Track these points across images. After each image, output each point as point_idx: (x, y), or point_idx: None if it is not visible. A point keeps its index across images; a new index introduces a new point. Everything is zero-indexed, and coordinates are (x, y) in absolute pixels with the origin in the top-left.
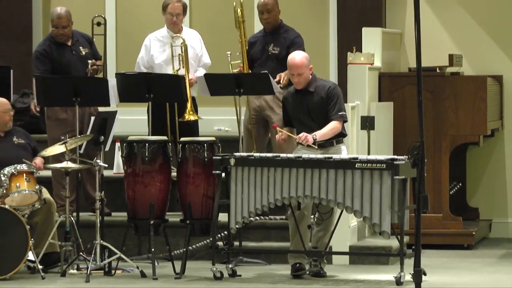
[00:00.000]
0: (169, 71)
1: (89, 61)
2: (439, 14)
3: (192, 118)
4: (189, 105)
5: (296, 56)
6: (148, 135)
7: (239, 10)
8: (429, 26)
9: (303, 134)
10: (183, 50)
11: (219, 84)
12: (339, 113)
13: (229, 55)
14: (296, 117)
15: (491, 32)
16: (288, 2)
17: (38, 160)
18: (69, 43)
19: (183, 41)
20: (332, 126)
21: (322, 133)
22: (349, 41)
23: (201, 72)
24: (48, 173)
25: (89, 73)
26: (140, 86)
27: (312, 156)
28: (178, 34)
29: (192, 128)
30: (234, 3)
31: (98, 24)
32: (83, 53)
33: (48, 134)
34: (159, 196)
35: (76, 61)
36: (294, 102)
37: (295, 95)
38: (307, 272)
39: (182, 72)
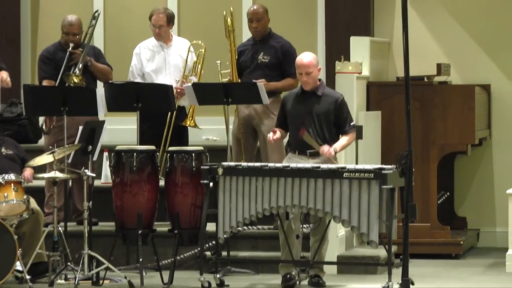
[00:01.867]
0: (159, 80)
1: (71, 45)
2: (427, 23)
3: (191, 125)
4: (191, 110)
5: (304, 56)
6: (137, 145)
7: (229, 19)
8: (417, 35)
9: (326, 147)
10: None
11: (207, 93)
12: (351, 124)
13: (219, 64)
14: (295, 118)
15: (479, 41)
16: (276, 11)
17: (27, 173)
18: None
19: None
20: (350, 138)
21: (342, 146)
22: (337, 50)
23: (194, 80)
24: (36, 183)
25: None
26: (128, 95)
27: (300, 165)
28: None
29: (183, 136)
30: (225, 12)
31: (94, 17)
32: (72, 49)
33: (45, 141)
34: (147, 205)
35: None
36: (297, 102)
37: (300, 96)
38: (299, 283)
39: (192, 79)
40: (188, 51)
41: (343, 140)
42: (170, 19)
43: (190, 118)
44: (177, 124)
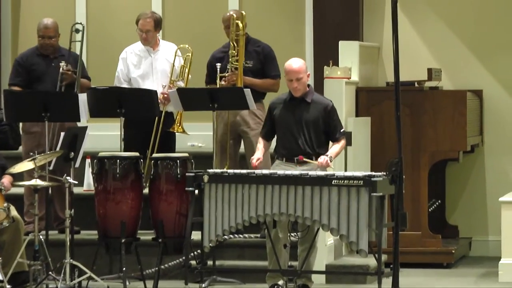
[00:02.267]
0: (146, 86)
1: (62, 63)
2: (418, 28)
3: (179, 131)
4: (178, 116)
5: (294, 62)
6: (120, 151)
7: (240, 23)
8: (407, 40)
9: (323, 159)
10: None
11: (192, 99)
12: (342, 131)
13: (218, 67)
14: (284, 126)
15: (470, 45)
16: (263, 15)
17: (6, 180)
18: (53, 56)
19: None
20: (342, 145)
21: (336, 153)
22: (326, 55)
23: (181, 85)
24: (14, 190)
25: (59, 76)
26: (111, 101)
27: (288, 172)
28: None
29: (171, 142)
30: (234, 15)
31: (77, 31)
32: (64, 68)
33: (22, 148)
34: (130, 213)
35: (54, 74)
36: (285, 110)
37: (288, 103)
38: None
39: (179, 84)
40: (175, 55)
41: (335, 147)
42: (157, 23)
43: (178, 124)
44: (165, 130)
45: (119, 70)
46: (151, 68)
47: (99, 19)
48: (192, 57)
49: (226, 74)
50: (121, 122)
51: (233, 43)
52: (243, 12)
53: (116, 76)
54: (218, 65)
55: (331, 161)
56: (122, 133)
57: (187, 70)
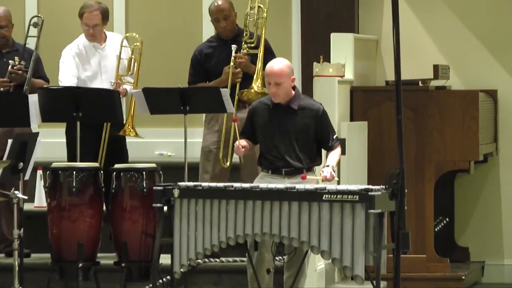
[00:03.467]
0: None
1: (11, 61)
2: (422, 18)
3: (132, 134)
4: (130, 118)
5: (276, 63)
6: (76, 161)
7: (263, 6)
8: (410, 32)
9: (329, 173)
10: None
11: (161, 100)
12: (335, 137)
13: (234, 49)
14: (267, 137)
15: (483, 39)
16: (242, 2)
17: None
18: (5, 50)
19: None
20: (339, 153)
21: (336, 162)
22: (315, 49)
23: (130, 80)
24: None
25: (7, 75)
26: (66, 103)
27: (272, 186)
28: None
29: (123, 149)
30: (258, 2)
31: (35, 25)
32: (13, 67)
33: None
34: (89, 234)
35: (4, 70)
36: (269, 118)
37: (271, 110)
38: None
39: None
40: (121, 46)
41: (333, 156)
42: (105, 15)
43: (129, 126)
44: (114, 135)
45: (61, 74)
46: (99, 66)
47: (51, 11)
48: (143, 47)
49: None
50: (77, 127)
51: (246, 29)
52: None
53: (61, 80)
54: (234, 47)
55: (334, 172)
56: (78, 139)
57: (136, 64)
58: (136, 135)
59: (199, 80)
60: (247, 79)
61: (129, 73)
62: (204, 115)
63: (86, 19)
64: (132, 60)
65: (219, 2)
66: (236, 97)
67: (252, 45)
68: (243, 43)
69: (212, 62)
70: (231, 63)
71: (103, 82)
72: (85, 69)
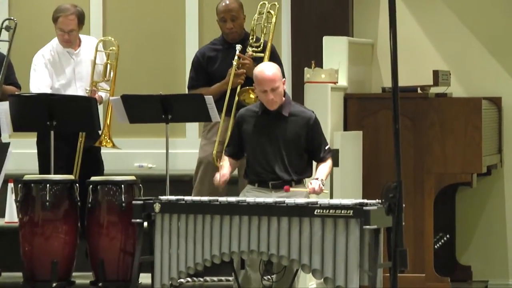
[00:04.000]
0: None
1: None
2: (421, 19)
3: (109, 145)
4: (106, 128)
5: (266, 68)
6: (50, 173)
7: (274, 16)
8: (408, 34)
9: (314, 184)
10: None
11: (141, 108)
12: (327, 148)
13: (238, 49)
14: (255, 148)
15: (487, 42)
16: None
17: None
18: None
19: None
20: (330, 165)
21: (326, 175)
22: (307, 53)
23: (105, 87)
24: None
25: None
26: (39, 111)
27: (259, 200)
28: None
29: (98, 161)
30: (268, 4)
31: (7, 28)
32: None
33: None
34: (63, 251)
35: None
36: (258, 125)
37: (260, 117)
38: None
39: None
40: (96, 51)
41: (324, 168)
42: (81, 19)
43: (106, 137)
44: (89, 145)
45: (33, 82)
46: (73, 74)
47: (23, 14)
48: (119, 52)
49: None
50: (51, 137)
51: (253, 34)
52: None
53: (35, 86)
54: (239, 46)
55: (323, 185)
56: (52, 150)
57: (113, 69)
58: (113, 145)
59: (200, 85)
60: (248, 84)
61: (105, 79)
62: (187, 124)
63: (61, 23)
64: (108, 65)
65: (228, 1)
66: (236, 98)
67: (258, 48)
68: (249, 46)
69: (215, 66)
70: (234, 63)
71: (78, 89)
72: (58, 78)
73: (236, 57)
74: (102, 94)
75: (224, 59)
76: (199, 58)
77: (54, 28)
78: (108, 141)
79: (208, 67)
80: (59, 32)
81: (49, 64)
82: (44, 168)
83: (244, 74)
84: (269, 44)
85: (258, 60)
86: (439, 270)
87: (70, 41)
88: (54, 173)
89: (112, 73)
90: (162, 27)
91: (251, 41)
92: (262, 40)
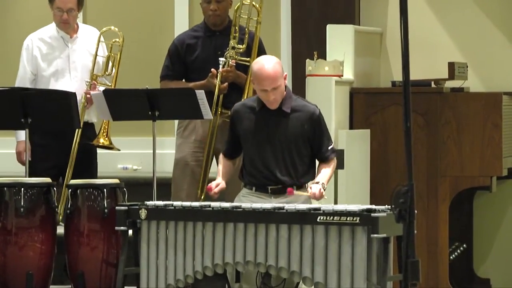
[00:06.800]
0: (59, 87)
1: None
2: (436, 7)
3: (106, 143)
4: (104, 125)
5: (266, 63)
6: (25, 176)
7: (258, 6)
8: (421, 23)
9: (318, 189)
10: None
11: (125, 104)
12: (331, 147)
13: (221, 63)
14: (252, 146)
15: (507, 32)
16: None
17: None
18: None
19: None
20: (333, 167)
21: (328, 178)
22: (309, 44)
23: (107, 82)
24: None
25: None
26: (12, 107)
27: (257, 206)
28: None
29: (92, 162)
30: None
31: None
32: None
33: None
34: (39, 262)
35: None
36: (256, 122)
37: (259, 113)
38: None
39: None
40: (98, 42)
41: (326, 171)
42: (81, 0)
43: (104, 135)
44: (85, 144)
45: (21, 69)
46: (67, 62)
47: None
48: (124, 44)
49: (221, 70)
50: (26, 135)
51: (235, 28)
52: None
53: (19, 76)
54: (222, 60)
55: (324, 190)
56: (27, 150)
57: (116, 63)
58: (111, 145)
59: (174, 75)
60: (234, 89)
61: (106, 74)
62: (176, 122)
63: (59, 2)
64: (110, 58)
65: None
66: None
67: (241, 50)
68: (230, 48)
69: (193, 55)
70: (218, 77)
71: (72, 80)
72: (49, 65)
73: (219, 75)
74: (102, 89)
75: (204, 48)
76: (177, 45)
77: (51, 9)
78: (106, 139)
79: (186, 56)
80: (56, 12)
81: (37, 49)
82: (35, 168)
83: (226, 88)
84: (256, 44)
85: (243, 68)
86: (455, 283)
87: (69, 22)
88: (43, 175)
89: (115, 68)
90: (149, 14)
91: (232, 40)
92: (246, 36)
